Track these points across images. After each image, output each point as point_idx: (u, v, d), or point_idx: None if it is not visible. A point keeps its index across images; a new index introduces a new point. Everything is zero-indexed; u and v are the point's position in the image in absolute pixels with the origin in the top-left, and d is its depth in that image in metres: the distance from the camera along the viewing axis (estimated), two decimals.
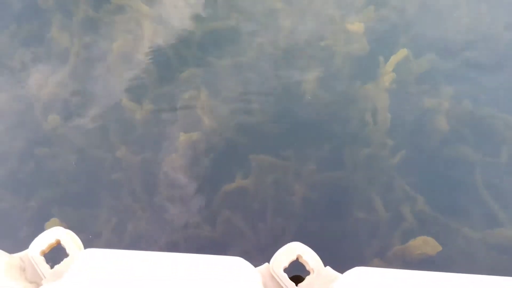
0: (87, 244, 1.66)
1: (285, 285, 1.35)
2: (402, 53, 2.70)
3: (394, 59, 2.70)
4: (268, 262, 1.41)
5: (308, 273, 1.42)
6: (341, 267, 1.44)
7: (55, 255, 1.59)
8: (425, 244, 2.04)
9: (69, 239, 1.48)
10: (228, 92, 2.73)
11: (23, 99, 2.78)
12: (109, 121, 2.68)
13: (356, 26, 2.80)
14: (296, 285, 1.37)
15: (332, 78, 2.75)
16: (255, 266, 1.38)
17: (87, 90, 2.79)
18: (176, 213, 2.42)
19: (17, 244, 1.68)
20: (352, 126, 2.62)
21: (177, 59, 2.84)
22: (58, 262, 1.49)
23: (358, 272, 1.24)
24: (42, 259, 1.47)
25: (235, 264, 1.30)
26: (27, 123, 2.72)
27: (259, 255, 2.32)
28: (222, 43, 2.86)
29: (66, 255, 1.50)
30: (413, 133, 2.55)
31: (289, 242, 1.46)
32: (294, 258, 1.40)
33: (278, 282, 1.36)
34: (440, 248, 2.08)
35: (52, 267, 1.47)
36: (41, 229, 1.75)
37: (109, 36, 2.92)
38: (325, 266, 1.41)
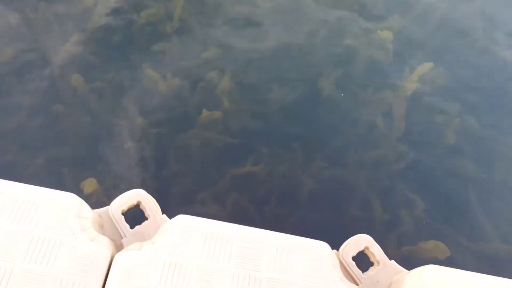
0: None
1: (353, 272, 1.50)
2: (428, 65, 2.90)
3: (420, 69, 2.89)
4: None
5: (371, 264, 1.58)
6: None
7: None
8: (436, 248, 2.25)
9: (151, 202, 1.53)
10: (248, 78, 2.80)
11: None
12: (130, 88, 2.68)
13: (385, 33, 2.96)
14: None
15: (352, 79, 2.90)
16: None
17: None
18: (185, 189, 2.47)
19: None
20: (363, 128, 2.79)
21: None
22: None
23: (427, 270, 1.42)
24: (123, 218, 1.51)
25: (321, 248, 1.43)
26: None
27: None
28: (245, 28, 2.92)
29: (144, 218, 1.54)
30: (423, 144, 2.77)
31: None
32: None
33: (346, 268, 1.51)
34: (449, 253, 2.31)
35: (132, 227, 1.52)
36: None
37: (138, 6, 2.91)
38: None
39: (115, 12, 2.94)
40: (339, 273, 1.41)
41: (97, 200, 2.27)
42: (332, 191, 2.61)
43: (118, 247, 1.48)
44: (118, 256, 1.34)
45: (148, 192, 1.54)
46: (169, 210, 1.62)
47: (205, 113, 2.64)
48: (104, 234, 1.46)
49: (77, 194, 1.39)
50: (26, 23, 2.83)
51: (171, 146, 2.58)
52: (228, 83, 2.76)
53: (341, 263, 1.51)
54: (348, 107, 2.85)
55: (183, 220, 1.43)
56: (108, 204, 1.52)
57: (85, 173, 2.40)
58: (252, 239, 1.41)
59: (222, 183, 2.51)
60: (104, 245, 1.37)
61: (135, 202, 1.54)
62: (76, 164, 2.47)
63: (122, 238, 1.50)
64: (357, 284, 1.51)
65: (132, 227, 1.52)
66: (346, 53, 3.01)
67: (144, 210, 1.55)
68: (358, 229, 2.44)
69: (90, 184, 2.28)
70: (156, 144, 2.57)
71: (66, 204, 1.40)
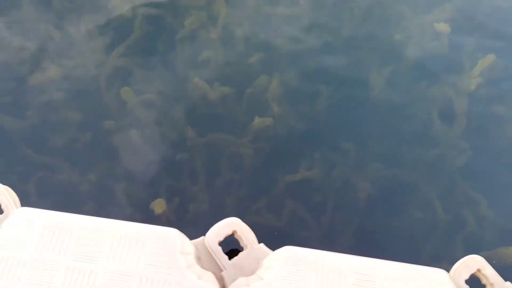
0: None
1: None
2: (489, 58, 2.79)
3: (481, 63, 2.78)
4: None
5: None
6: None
7: None
8: None
9: (247, 231, 1.47)
10: (294, 80, 2.72)
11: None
12: (178, 99, 2.61)
13: (442, 26, 2.86)
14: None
15: (403, 74, 2.81)
16: None
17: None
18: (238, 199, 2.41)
19: None
20: (419, 126, 2.70)
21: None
22: None
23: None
24: (220, 249, 1.46)
25: None
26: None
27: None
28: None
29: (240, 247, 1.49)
30: (484, 139, 2.68)
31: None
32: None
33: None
34: None
35: None
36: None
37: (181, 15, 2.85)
38: None
39: (157, 21, 2.85)
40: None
41: (167, 220, 2.23)
42: (390, 193, 2.53)
43: (219, 280, 1.42)
44: None
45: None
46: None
47: (257, 120, 2.58)
48: (202, 267, 1.40)
49: (148, 214, 1.33)
50: (69, 39, 2.75)
51: (223, 155, 2.51)
52: (277, 87, 2.69)
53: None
54: (401, 104, 2.75)
55: (289, 251, 1.37)
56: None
57: (139, 189, 2.36)
58: (365, 270, 1.34)
59: (276, 191, 2.43)
60: (212, 282, 1.31)
61: (230, 232, 1.48)
62: (129, 180, 2.43)
63: (222, 270, 1.44)
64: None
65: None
66: (398, 47, 2.91)
67: (239, 240, 1.49)
68: (421, 232, 2.36)
69: (159, 205, 2.23)
70: (206, 153, 2.50)
71: (169, 240, 1.34)
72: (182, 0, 2.89)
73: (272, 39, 2.83)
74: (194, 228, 2.05)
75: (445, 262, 2.16)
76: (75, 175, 2.39)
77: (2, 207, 1.43)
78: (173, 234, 1.36)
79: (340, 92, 2.73)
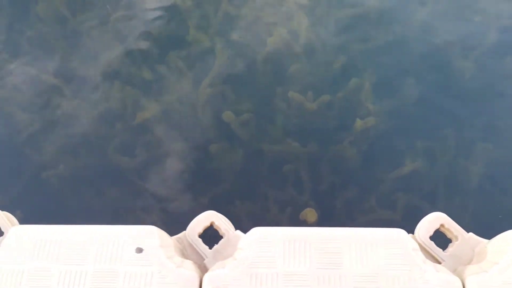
0: None
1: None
2: None
3: None
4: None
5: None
6: None
7: None
8: None
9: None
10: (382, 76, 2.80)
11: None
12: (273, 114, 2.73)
13: None
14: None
15: (494, 54, 2.80)
16: None
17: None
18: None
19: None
20: None
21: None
22: None
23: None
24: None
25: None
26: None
27: None
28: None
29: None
30: None
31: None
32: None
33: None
34: None
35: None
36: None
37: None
38: None
39: (238, 45, 2.96)
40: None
41: None
42: (502, 174, 2.52)
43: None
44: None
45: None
46: (336, 222, 1.59)
47: (358, 122, 2.65)
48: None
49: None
50: (160, 76, 2.90)
51: (324, 161, 2.61)
52: (368, 87, 2.75)
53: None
54: (494, 83, 2.74)
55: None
56: None
57: (257, 206, 2.50)
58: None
59: (386, 187, 2.52)
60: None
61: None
62: (243, 198, 2.54)
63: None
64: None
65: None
66: (480, 26, 2.91)
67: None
68: None
69: (311, 214, 2.35)
70: (309, 162, 2.60)
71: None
72: (264, 18, 2.99)
73: (348, 44, 2.91)
74: None
75: None
76: (187, 201, 2.55)
77: (222, 232, 1.59)
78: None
79: (428, 81, 2.78)
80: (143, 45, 2.98)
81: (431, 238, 1.55)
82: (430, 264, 1.40)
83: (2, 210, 1.65)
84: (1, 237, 1.58)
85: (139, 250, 1.45)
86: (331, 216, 2.47)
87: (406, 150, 2.59)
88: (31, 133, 2.75)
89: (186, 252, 1.60)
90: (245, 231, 1.54)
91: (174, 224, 2.00)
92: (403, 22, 2.97)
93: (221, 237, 1.61)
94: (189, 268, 1.44)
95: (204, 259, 1.58)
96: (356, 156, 2.59)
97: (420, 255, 1.42)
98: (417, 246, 1.44)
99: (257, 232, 1.49)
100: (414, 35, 2.91)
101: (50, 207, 2.56)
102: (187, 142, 2.70)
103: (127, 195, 2.60)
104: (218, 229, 1.61)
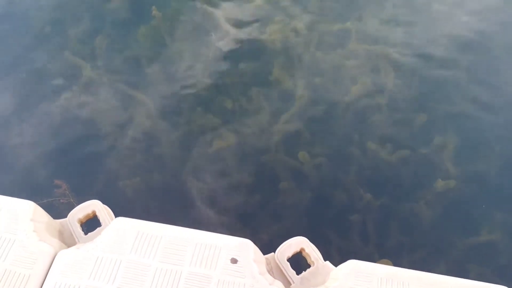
0: None
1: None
2: None
3: None
4: None
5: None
6: None
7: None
8: None
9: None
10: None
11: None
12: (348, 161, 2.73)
13: None
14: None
15: None
16: None
17: None
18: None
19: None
20: None
21: None
22: None
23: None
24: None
25: None
26: None
27: None
28: None
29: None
30: None
31: None
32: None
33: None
34: None
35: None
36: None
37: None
38: None
39: (320, 87, 3.02)
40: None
41: None
42: None
43: None
44: None
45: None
46: None
47: (440, 182, 2.62)
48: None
49: None
50: (237, 109, 2.97)
51: (395, 217, 2.57)
52: (451, 148, 2.73)
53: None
54: None
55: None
56: None
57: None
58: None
59: (457, 255, 2.45)
60: None
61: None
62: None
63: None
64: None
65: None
66: None
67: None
68: None
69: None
70: (379, 215, 2.57)
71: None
72: (350, 66, 3.07)
73: (432, 103, 2.93)
74: None
75: None
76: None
77: (311, 261, 1.63)
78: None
79: None
80: (229, 79, 3.08)
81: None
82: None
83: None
84: (100, 227, 1.63)
85: (234, 261, 1.46)
86: None
87: (483, 219, 2.51)
88: (113, 144, 2.84)
89: (272, 273, 1.59)
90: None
91: None
92: (493, 88, 2.98)
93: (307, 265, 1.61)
94: None
95: (290, 284, 1.57)
96: (430, 217, 2.53)
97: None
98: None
99: (353, 264, 1.48)
100: (501, 104, 2.92)
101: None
102: (255, 176, 2.72)
103: (189, 219, 2.60)
104: (307, 257, 1.62)
